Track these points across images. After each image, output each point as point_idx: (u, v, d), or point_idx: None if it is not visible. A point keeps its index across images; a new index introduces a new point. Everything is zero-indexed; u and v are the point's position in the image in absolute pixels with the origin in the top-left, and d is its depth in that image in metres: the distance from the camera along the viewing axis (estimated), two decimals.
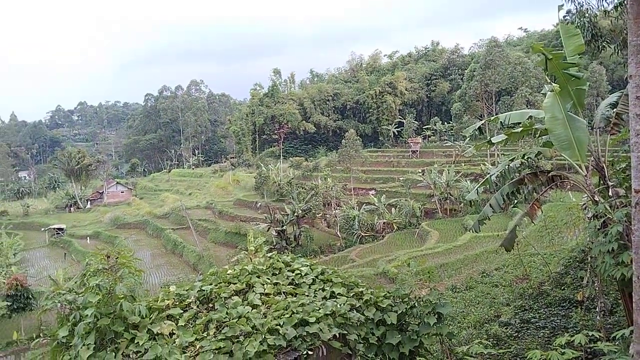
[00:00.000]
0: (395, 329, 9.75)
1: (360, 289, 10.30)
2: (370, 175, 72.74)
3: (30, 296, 38.87)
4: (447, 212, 54.29)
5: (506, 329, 12.95)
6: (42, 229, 74.41)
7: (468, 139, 66.18)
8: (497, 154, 68.82)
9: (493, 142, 12.11)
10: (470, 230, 13.22)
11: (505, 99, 75.52)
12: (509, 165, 11.65)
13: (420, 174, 59.96)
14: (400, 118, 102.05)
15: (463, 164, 65.80)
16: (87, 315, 8.24)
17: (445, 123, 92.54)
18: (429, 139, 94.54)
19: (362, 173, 70.65)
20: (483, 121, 14.85)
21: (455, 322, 15.39)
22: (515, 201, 11.90)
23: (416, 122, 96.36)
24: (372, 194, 59.75)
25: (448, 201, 54.84)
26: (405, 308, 9.93)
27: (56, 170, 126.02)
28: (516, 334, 12.54)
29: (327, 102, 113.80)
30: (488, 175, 12.18)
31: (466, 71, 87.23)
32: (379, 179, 70.81)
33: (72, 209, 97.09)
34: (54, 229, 72.59)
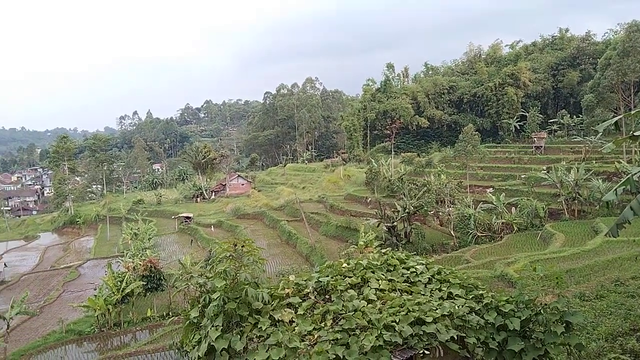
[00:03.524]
0: (518, 336, 9.29)
1: (480, 292, 9.94)
2: (488, 172, 69.32)
3: (162, 277, 42.70)
4: (574, 214, 50.01)
5: None
6: (172, 217, 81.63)
7: (600, 133, 60.60)
8: (636, 151, 61.88)
9: (637, 136, 10.90)
10: (608, 235, 12.07)
11: None
12: None
13: (545, 172, 55.83)
14: (522, 111, 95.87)
15: (594, 162, 60.09)
16: (215, 298, 8.91)
17: (574, 117, 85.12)
18: (555, 133, 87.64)
19: (479, 170, 67.55)
20: (621, 115, 13.28)
21: (583, 333, 14.24)
22: None
23: (541, 116, 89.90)
24: (490, 192, 56.90)
25: (576, 202, 50.43)
26: (530, 314, 9.42)
27: (185, 163, 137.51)
28: None
29: (442, 96, 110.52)
30: (630, 175, 10.99)
31: (600, 60, 79.34)
32: (498, 176, 67.27)
33: (198, 199, 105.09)
34: (182, 217, 79.27)
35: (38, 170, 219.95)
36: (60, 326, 36.48)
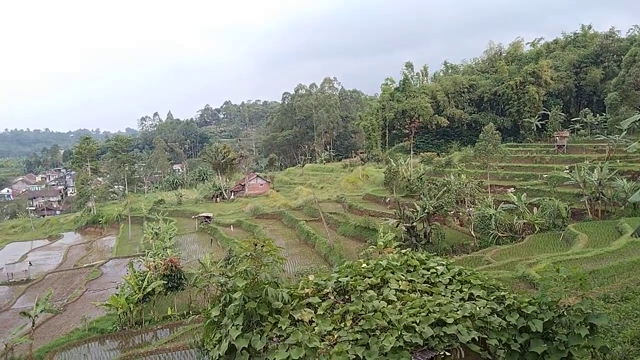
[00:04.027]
0: (541, 338, 9.17)
1: (502, 293, 9.84)
2: (509, 171, 68.39)
3: (182, 277, 43.06)
4: (598, 214, 49.01)
5: None
6: (192, 217, 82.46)
7: (625, 132, 59.27)
8: None
9: None
10: (634, 235, 11.83)
11: None
12: None
13: (568, 171, 54.84)
14: (544, 110, 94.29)
15: (618, 161, 58.79)
16: (236, 297, 8.98)
17: (598, 115, 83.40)
18: (578, 132, 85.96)
19: (500, 169, 66.68)
20: None
21: (608, 336, 13.94)
22: None
23: (563, 114, 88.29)
24: (511, 192, 56.14)
25: (600, 201, 49.41)
26: (553, 316, 9.28)
27: (205, 163, 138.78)
28: None
29: (462, 95, 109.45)
30: None
31: (624, 56, 77.58)
32: (519, 176, 66.33)
33: (217, 199, 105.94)
34: (202, 217, 80.00)
35: (61, 170, 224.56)
36: (83, 324, 37.14)
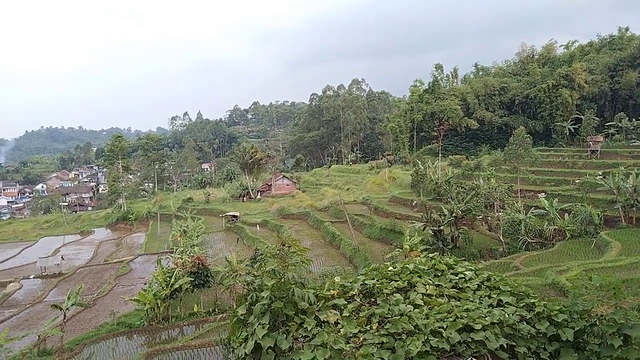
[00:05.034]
0: (571, 347, 8.94)
1: (532, 300, 9.64)
2: (540, 176, 66.96)
3: (209, 274, 43.62)
4: (632, 221, 47.51)
5: None
6: (220, 215, 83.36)
7: None
8: None
9: None
10: None
11: None
12: None
13: (601, 177, 53.39)
14: (577, 114, 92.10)
15: None
16: (263, 297, 9.05)
17: (634, 119, 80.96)
18: (612, 137, 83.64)
19: (530, 174, 65.36)
20: None
21: None
22: None
23: (597, 119, 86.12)
24: (542, 197, 54.94)
25: (634, 209, 47.88)
26: (584, 325, 9.05)
27: (233, 163, 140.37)
28: None
29: (493, 97, 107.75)
30: None
31: None
32: (551, 181, 64.89)
33: (244, 198, 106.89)
34: (229, 215, 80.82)
35: (94, 168, 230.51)
36: (112, 318, 37.95)
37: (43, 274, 57.81)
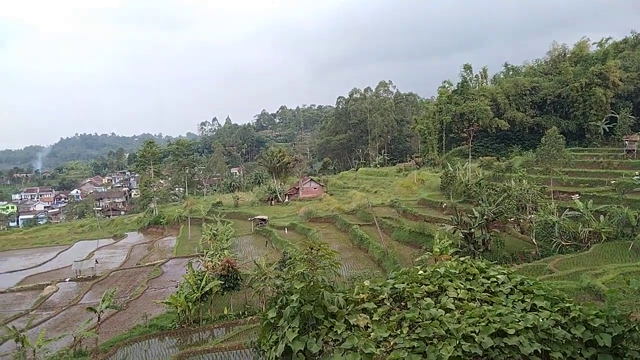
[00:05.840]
0: (609, 353, 8.65)
1: (567, 304, 9.37)
2: (574, 177, 65.26)
3: (239, 277, 43.97)
4: None
5: None
6: (249, 219, 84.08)
7: None
8: None
9: None
10: None
11: None
12: None
13: (638, 177, 51.72)
14: (612, 113, 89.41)
15: None
16: (292, 300, 9.07)
17: None
18: None
19: (564, 175, 63.80)
20: None
21: None
22: None
23: (633, 117, 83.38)
24: (577, 198, 53.53)
25: None
26: (623, 330, 8.74)
27: (261, 167, 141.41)
28: None
29: (524, 97, 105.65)
30: None
31: None
32: (585, 182, 63.17)
33: (272, 202, 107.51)
34: (258, 219, 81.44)
35: (126, 173, 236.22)
36: (145, 321, 38.68)
37: (78, 277, 59.36)
